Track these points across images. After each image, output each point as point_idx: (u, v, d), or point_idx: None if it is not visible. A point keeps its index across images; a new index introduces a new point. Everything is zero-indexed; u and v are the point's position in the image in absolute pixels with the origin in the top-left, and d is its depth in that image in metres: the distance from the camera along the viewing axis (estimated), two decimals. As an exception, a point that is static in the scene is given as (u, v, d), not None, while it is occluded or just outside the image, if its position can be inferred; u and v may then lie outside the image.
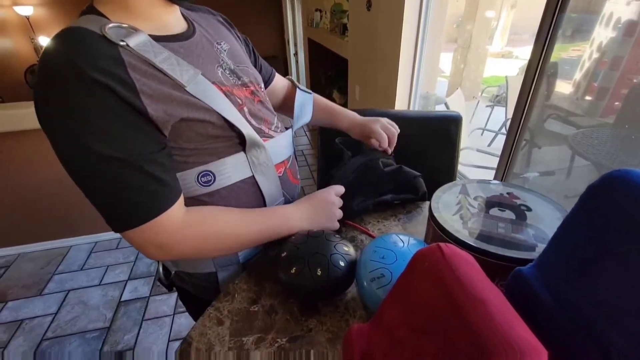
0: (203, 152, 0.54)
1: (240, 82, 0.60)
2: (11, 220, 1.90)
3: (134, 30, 0.46)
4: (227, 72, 0.58)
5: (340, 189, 0.66)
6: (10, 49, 4.87)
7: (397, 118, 0.97)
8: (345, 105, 2.72)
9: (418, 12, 1.50)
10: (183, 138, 0.50)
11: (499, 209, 0.55)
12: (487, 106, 4.32)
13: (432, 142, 0.94)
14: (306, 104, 0.77)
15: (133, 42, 0.44)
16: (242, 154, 0.58)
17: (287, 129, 0.70)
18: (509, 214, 0.53)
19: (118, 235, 2.05)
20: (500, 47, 8.12)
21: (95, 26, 0.44)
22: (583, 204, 0.34)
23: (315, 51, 3.83)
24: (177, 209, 0.50)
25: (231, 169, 0.57)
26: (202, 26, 0.60)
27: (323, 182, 0.77)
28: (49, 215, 1.94)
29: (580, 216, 0.34)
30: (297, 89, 0.78)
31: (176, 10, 0.56)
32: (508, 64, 7.68)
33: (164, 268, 0.74)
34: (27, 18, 5.12)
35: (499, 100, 4.26)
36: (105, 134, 0.42)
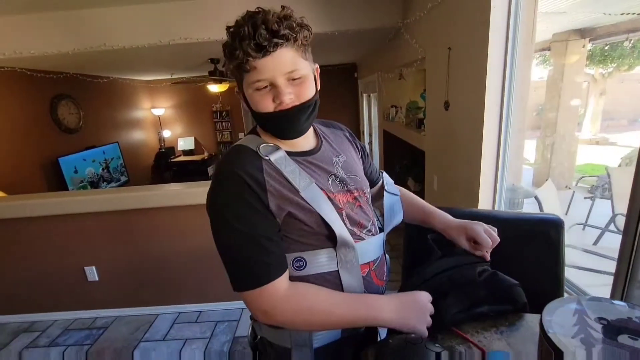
0: (301, 242, 0.66)
1: (346, 189, 0.71)
2: (118, 284, 2.18)
3: (277, 148, 0.66)
4: (337, 181, 0.71)
5: (429, 296, 0.66)
6: (143, 139, 6.16)
7: (487, 219, 0.95)
8: (421, 192, 2.71)
9: (499, 105, 1.54)
10: (288, 229, 0.64)
11: (629, 337, 0.48)
12: (585, 198, 3.87)
13: (528, 247, 0.88)
14: (394, 205, 0.83)
15: (273, 157, 0.64)
16: (332, 249, 0.66)
17: (380, 230, 0.75)
18: (638, 344, 0.46)
19: (199, 308, 2.19)
20: (592, 134, 7.57)
21: (253, 144, 0.65)
22: None
23: (390, 141, 4.05)
24: (283, 281, 0.62)
25: (321, 260, 0.66)
26: (329, 141, 0.77)
27: (408, 279, 0.75)
28: (148, 283, 2.18)
29: None
30: (385, 191, 0.85)
31: (308, 135, 0.73)
32: (605, 151, 7.02)
33: (252, 330, 0.80)
34: (159, 117, 6.51)
35: (600, 192, 3.81)
36: (239, 215, 0.60)
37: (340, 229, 0.65)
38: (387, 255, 0.81)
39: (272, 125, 0.66)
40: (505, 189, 1.67)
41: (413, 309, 0.64)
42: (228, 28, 0.61)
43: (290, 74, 0.61)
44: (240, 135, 6.70)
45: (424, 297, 0.65)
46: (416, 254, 0.87)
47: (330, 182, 0.69)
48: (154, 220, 2.04)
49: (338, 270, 0.67)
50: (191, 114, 6.64)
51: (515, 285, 0.68)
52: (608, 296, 0.97)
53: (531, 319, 0.68)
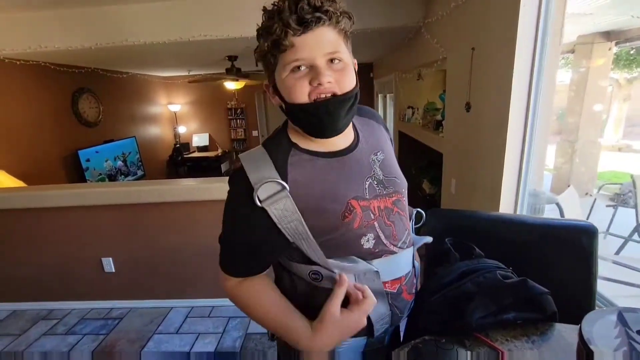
0: (310, 258, 0.63)
1: (385, 192, 0.65)
2: (133, 276, 2.21)
3: (281, 189, 0.58)
4: (375, 183, 0.65)
5: (369, 307, 0.60)
6: (159, 134, 6.26)
7: (515, 224, 0.92)
8: (436, 195, 2.66)
9: (525, 109, 1.50)
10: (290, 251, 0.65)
11: (680, 354, 0.45)
12: (607, 206, 3.75)
13: (557, 255, 0.85)
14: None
15: (271, 206, 0.58)
16: None
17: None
18: (698, 364, 0.43)
19: (212, 303, 2.21)
20: (615, 140, 7.35)
21: (256, 175, 0.59)
22: None
23: (406, 143, 4.00)
24: (254, 278, 0.65)
25: (336, 278, 0.62)
26: (365, 136, 0.69)
27: (426, 281, 0.73)
28: (163, 277, 2.21)
29: None
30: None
31: (345, 131, 0.63)
32: (627, 158, 6.81)
33: None
34: (175, 113, 6.61)
35: (623, 200, 3.69)
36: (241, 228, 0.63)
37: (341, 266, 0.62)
38: (416, 263, 0.74)
39: (307, 119, 0.58)
40: (528, 194, 1.62)
41: (333, 331, 0.59)
42: (265, 8, 0.55)
43: (331, 54, 0.55)
44: (254, 133, 6.73)
45: (332, 309, 0.59)
46: (435, 257, 0.84)
47: (367, 186, 0.63)
48: (169, 215, 2.06)
49: None
50: (206, 111, 6.72)
51: (546, 294, 0.66)
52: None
53: (563, 329, 0.65)
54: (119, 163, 4.73)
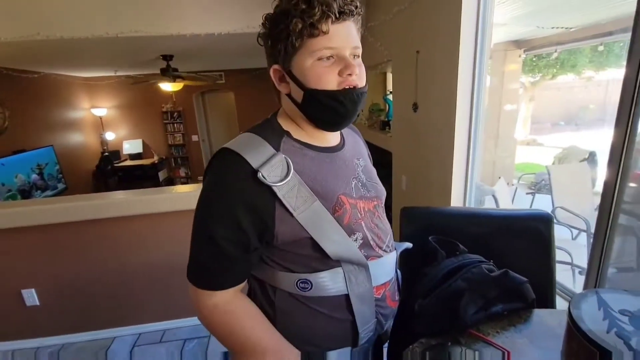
0: (301, 264, 0.60)
1: (368, 195, 0.65)
2: (64, 307, 1.91)
3: (287, 167, 0.55)
4: (360, 185, 0.64)
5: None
6: (83, 142, 5.57)
7: (482, 217, 0.98)
8: (387, 192, 2.74)
9: (469, 107, 1.61)
10: (282, 255, 0.60)
11: (657, 327, 0.49)
12: (527, 193, 4.27)
13: (520, 243, 0.91)
14: None
15: (282, 187, 0.54)
16: (340, 269, 0.60)
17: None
18: (673, 334, 0.48)
19: (163, 327, 2.00)
20: (524, 136, 8.42)
21: (256, 157, 0.54)
22: None
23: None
24: (229, 292, 0.58)
25: (328, 282, 0.60)
26: (349, 142, 0.70)
27: (417, 281, 0.73)
28: (101, 303, 1.94)
29: None
30: None
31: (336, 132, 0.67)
32: (534, 150, 7.81)
33: None
34: (100, 118, 5.95)
35: (539, 188, 4.22)
36: (223, 227, 0.55)
37: (349, 250, 0.59)
38: (398, 271, 0.75)
39: (333, 107, 0.56)
40: (475, 188, 1.75)
41: None
42: None
43: (355, 49, 0.57)
44: (194, 137, 6.34)
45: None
46: (422, 257, 0.85)
47: (353, 185, 0.63)
48: (104, 233, 1.82)
49: (348, 294, 0.61)
50: (138, 115, 6.14)
51: (526, 283, 0.70)
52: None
53: (541, 313, 0.70)
54: (34, 176, 4.09)
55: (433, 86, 1.81)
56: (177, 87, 4.22)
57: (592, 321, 0.51)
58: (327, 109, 0.57)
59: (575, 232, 2.97)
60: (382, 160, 3.50)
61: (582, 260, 2.12)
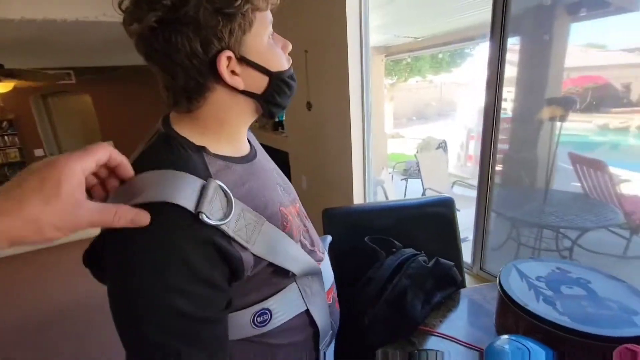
0: (254, 293, 0.48)
1: (290, 198, 0.58)
2: None
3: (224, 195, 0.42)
4: (282, 190, 0.56)
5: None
6: None
7: (395, 209, 1.02)
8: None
9: (361, 105, 1.71)
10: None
11: (567, 287, 0.58)
12: (401, 179, 4.91)
13: (428, 228, 0.99)
14: None
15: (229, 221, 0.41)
16: (294, 285, 0.52)
17: None
18: (578, 291, 0.57)
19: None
20: (389, 130, 9.74)
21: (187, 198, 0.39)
22: None
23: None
24: None
25: (286, 303, 0.51)
26: (255, 145, 0.59)
27: (363, 286, 0.71)
28: None
29: None
30: None
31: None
32: (398, 142, 9.08)
33: None
34: None
35: (410, 174, 4.90)
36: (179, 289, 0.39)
37: (305, 260, 0.52)
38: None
39: (289, 90, 0.49)
40: (373, 180, 1.88)
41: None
42: None
43: None
44: (38, 152, 5.00)
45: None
46: (362, 259, 0.82)
47: (280, 192, 0.54)
48: None
49: (308, 309, 0.53)
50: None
51: (453, 267, 0.74)
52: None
53: (465, 292, 0.76)
54: None
55: (325, 85, 1.84)
56: (5, 88, 3.23)
57: (522, 294, 0.57)
58: (288, 93, 0.50)
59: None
60: (278, 162, 3.45)
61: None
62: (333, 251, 0.89)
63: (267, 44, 0.46)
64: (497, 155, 1.18)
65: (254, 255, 0.44)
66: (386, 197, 2.97)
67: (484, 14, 2.62)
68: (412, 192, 4.23)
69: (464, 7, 2.48)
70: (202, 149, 0.45)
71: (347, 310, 0.64)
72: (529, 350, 0.48)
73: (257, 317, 0.48)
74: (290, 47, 0.50)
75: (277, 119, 2.77)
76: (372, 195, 1.90)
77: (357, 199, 1.85)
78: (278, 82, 0.47)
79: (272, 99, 0.48)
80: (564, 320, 0.49)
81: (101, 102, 5.21)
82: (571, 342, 0.49)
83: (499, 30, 1.05)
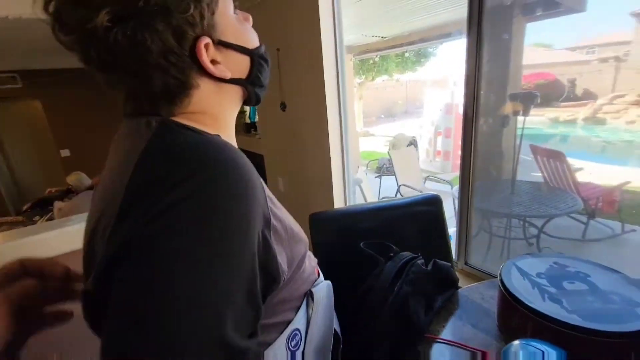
0: (285, 309, 0.44)
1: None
2: None
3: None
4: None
5: None
6: None
7: (380, 210, 1.00)
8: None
9: (337, 105, 1.68)
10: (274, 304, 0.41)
11: (568, 282, 0.57)
12: (375, 177, 4.95)
13: (417, 227, 0.97)
14: None
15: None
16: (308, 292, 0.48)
17: None
18: (580, 285, 0.56)
19: None
20: (359, 128, 9.85)
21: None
22: None
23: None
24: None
25: (313, 314, 0.47)
26: None
27: (365, 294, 0.67)
28: None
29: None
30: None
31: None
32: (369, 140, 9.20)
33: None
34: None
35: (382, 171, 4.95)
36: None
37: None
38: None
39: (267, 70, 0.46)
40: (352, 180, 1.85)
41: None
42: None
43: None
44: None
45: None
46: (360, 267, 0.78)
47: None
48: None
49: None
50: None
51: (449, 267, 0.72)
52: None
53: (463, 292, 0.74)
54: None
55: (300, 84, 1.79)
56: None
57: (527, 293, 0.56)
58: (267, 71, 0.46)
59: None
60: (254, 164, 3.36)
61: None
62: (324, 256, 0.85)
63: (236, 20, 0.41)
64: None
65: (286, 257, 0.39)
66: (364, 196, 2.97)
67: (450, 13, 2.70)
68: (387, 188, 4.28)
69: (431, 6, 2.53)
70: (218, 137, 0.37)
71: (351, 323, 0.60)
72: (543, 353, 0.46)
73: (292, 339, 0.43)
74: (251, 19, 0.44)
75: (250, 121, 2.68)
76: (352, 194, 1.87)
77: (338, 198, 1.81)
78: (259, 60, 0.43)
79: (257, 80, 0.44)
80: (574, 319, 0.48)
81: (54, 109, 4.79)
82: (581, 341, 0.48)
83: (476, 25, 1.06)
